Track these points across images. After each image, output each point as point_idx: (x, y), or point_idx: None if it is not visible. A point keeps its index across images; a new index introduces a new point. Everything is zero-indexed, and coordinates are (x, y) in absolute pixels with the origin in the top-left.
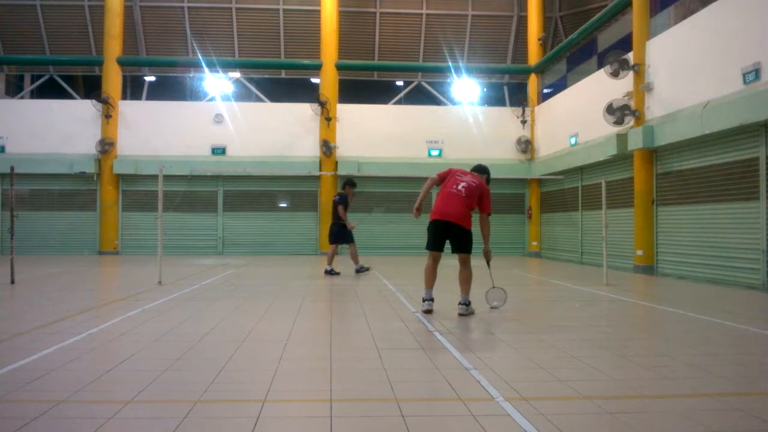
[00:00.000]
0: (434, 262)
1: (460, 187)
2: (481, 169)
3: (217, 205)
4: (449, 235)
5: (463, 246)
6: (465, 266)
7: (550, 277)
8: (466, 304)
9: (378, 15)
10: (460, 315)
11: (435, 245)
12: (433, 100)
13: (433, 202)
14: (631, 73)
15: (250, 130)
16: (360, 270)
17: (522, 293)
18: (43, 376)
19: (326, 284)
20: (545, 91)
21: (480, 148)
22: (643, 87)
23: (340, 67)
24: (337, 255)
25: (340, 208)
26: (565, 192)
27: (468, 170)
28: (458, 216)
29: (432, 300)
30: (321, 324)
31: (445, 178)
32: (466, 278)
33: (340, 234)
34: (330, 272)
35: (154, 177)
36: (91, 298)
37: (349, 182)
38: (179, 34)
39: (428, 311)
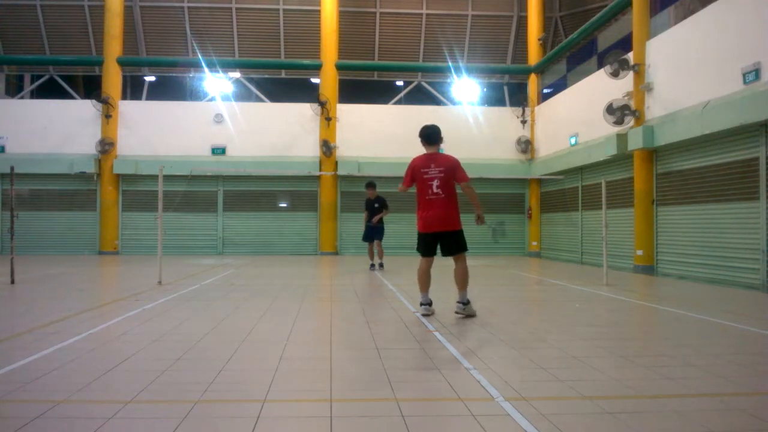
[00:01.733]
0: (429, 266)
1: (435, 189)
2: (431, 139)
3: (217, 205)
4: (442, 240)
5: (455, 248)
6: (460, 263)
7: (550, 277)
8: (465, 303)
9: (378, 15)
10: (457, 314)
11: (431, 252)
12: (433, 100)
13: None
14: (631, 73)
15: (250, 130)
16: (374, 267)
17: (522, 293)
18: (43, 376)
19: (326, 284)
20: (545, 91)
21: (480, 148)
22: (643, 87)
23: (340, 67)
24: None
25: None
26: (565, 192)
27: (425, 152)
28: (445, 222)
29: (430, 304)
30: (321, 324)
31: (412, 179)
32: (462, 276)
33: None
34: (373, 267)
35: (154, 177)
36: (91, 298)
37: (366, 184)
38: (179, 34)
39: (427, 315)
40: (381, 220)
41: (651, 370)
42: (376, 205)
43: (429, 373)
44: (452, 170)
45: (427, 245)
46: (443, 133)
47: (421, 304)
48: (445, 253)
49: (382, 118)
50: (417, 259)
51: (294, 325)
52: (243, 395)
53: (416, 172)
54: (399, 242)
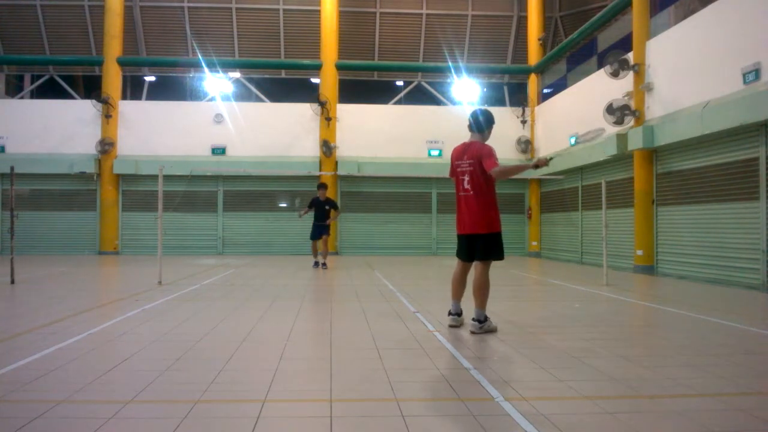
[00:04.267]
0: (463, 271)
1: (466, 184)
2: (471, 124)
3: (217, 205)
4: (474, 244)
5: (487, 253)
6: (478, 271)
7: (550, 278)
8: (481, 320)
9: (378, 15)
10: (473, 333)
11: (464, 257)
12: (433, 100)
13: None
14: (631, 73)
15: (250, 130)
16: (317, 264)
17: (522, 294)
18: (43, 376)
19: (326, 284)
20: (545, 91)
21: None
22: (643, 87)
23: (340, 67)
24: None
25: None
26: (565, 192)
27: (467, 141)
28: (474, 224)
29: (459, 314)
30: (321, 324)
31: (452, 171)
32: (480, 286)
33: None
34: (317, 264)
35: (154, 177)
36: (91, 298)
37: (318, 185)
38: (179, 34)
39: (454, 326)
40: (328, 219)
41: (651, 370)
42: (327, 207)
43: (429, 373)
44: (479, 161)
45: (459, 247)
46: (444, 133)
47: (449, 314)
48: (477, 258)
49: (382, 118)
50: (416, 259)
51: (294, 325)
52: (243, 395)
53: (453, 164)
54: (400, 242)
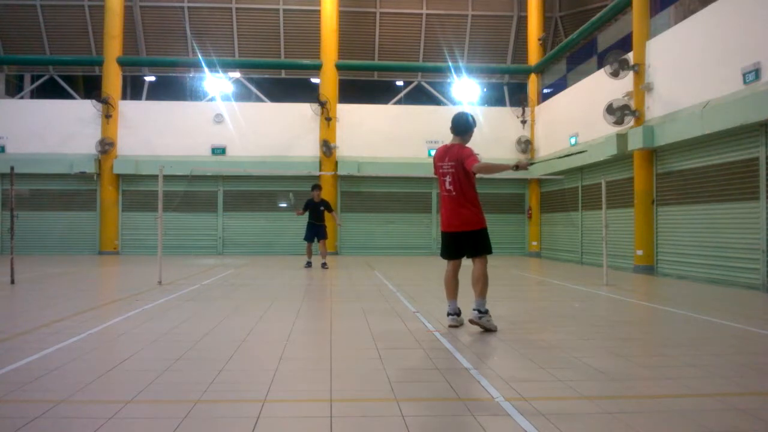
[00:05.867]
0: (454, 270)
1: (448, 186)
2: (453, 127)
3: (217, 205)
4: (462, 242)
5: (478, 249)
6: (476, 266)
7: (550, 277)
8: (480, 310)
9: (378, 15)
10: (472, 322)
11: (452, 255)
12: (433, 100)
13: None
14: (631, 73)
15: (250, 130)
16: (309, 264)
17: (522, 293)
18: (43, 376)
19: (326, 284)
20: (545, 91)
21: (480, 148)
22: (643, 87)
23: (340, 67)
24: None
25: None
26: (565, 192)
27: (448, 143)
28: (462, 222)
29: (458, 314)
30: (321, 324)
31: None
32: (479, 278)
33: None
34: (309, 265)
35: (154, 177)
36: (91, 298)
37: (312, 186)
38: (179, 34)
39: (454, 326)
40: (323, 221)
41: (651, 370)
42: (321, 208)
43: (429, 372)
44: (461, 162)
45: (445, 246)
46: (444, 133)
47: (448, 314)
48: (470, 255)
49: (382, 118)
50: (416, 259)
51: (294, 325)
52: (243, 395)
53: (435, 164)
54: (399, 242)
